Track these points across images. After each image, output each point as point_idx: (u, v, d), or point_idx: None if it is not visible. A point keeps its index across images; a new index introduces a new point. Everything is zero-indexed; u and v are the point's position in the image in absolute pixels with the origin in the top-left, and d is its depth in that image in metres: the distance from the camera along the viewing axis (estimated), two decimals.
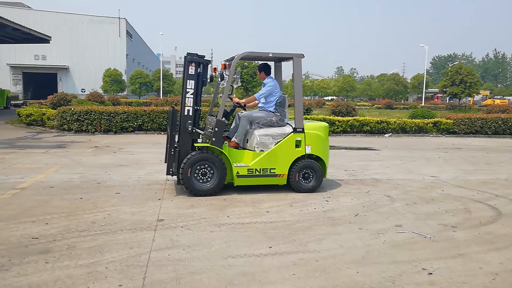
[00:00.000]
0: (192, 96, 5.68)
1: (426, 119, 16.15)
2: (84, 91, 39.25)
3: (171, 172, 5.80)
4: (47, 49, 40.01)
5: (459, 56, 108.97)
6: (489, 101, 51.33)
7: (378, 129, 15.18)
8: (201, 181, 5.59)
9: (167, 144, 5.95)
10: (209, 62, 5.89)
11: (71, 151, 9.42)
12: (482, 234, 4.38)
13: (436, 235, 4.29)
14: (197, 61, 5.69)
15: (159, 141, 11.73)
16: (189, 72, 5.66)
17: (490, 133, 15.87)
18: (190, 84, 5.68)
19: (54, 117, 13.89)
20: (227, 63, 5.86)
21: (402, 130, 15.47)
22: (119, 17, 44.84)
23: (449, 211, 5.22)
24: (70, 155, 8.83)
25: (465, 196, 6.03)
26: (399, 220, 4.78)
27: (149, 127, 13.76)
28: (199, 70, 5.73)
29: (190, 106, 5.68)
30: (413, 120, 16.04)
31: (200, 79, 5.74)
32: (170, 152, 5.75)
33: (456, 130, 15.74)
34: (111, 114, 13.40)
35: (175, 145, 5.76)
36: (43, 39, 23.01)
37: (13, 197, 5.36)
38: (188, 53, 5.73)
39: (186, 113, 5.68)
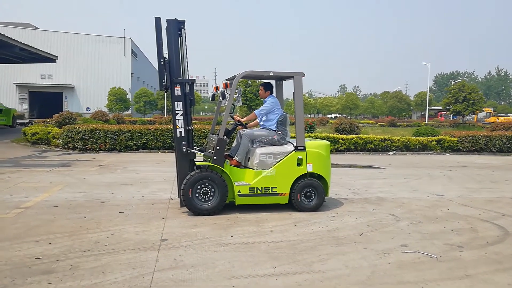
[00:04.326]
0: (182, 117, 5.68)
1: (430, 137, 16.11)
2: (89, 110, 39.60)
3: (164, 85, 5.69)
4: (53, 68, 40.62)
5: (461, 74, 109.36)
6: (493, 119, 51.28)
7: (382, 147, 15.16)
8: (202, 200, 5.57)
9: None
10: (193, 81, 5.91)
11: (76, 170, 9.45)
12: (489, 254, 4.32)
13: (443, 255, 4.23)
14: (181, 82, 5.70)
15: (164, 159, 11.77)
16: (176, 94, 5.65)
17: (494, 150, 15.79)
18: (178, 105, 5.66)
19: (59, 135, 13.98)
20: (229, 82, 5.91)
21: (406, 148, 15.43)
22: (124, 37, 45.54)
23: (455, 231, 5.16)
24: (75, 174, 8.85)
25: (471, 215, 5.97)
26: (405, 240, 4.73)
27: (153, 145, 13.81)
28: (185, 91, 5.74)
29: (181, 128, 5.68)
30: (417, 138, 16.01)
31: (187, 99, 5.74)
32: (160, 63, 5.66)
33: (460, 147, 15.68)
34: (116, 133, 13.49)
35: (164, 56, 5.68)
36: (50, 59, 23.40)
37: (17, 216, 5.36)
38: (168, 19, 5.65)
39: (178, 135, 5.68)
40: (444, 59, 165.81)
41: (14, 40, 18.88)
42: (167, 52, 5.71)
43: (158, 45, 5.71)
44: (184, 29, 5.83)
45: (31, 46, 20.67)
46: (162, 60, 5.67)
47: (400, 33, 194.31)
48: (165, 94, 44.50)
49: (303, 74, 6.02)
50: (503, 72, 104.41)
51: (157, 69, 5.81)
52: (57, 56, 23.96)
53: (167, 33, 5.70)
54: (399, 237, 4.83)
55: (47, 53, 22.92)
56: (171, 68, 5.69)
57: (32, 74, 42.08)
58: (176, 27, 5.71)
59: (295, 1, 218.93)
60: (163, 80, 5.71)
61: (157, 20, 5.69)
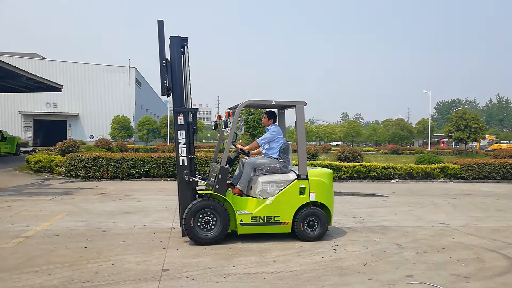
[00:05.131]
0: (184, 146, 5.71)
1: (433, 165, 16.06)
2: (93, 138, 39.88)
3: (165, 87, 5.69)
4: (58, 97, 41.08)
5: (462, 102, 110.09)
6: (495, 146, 51.24)
7: (385, 175, 15.10)
8: (204, 229, 5.52)
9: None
10: (196, 110, 5.97)
11: (78, 198, 9.42)
12: (496, 285, 4.23)
13: (449, 286, 4.15)
14: (185, 110, 5.76)
15: (166, 187, 11.74)
16: (179, 123, 5.71)
17: (498, 178, 15.69)
18: (181, 134, 5.72)
19: (62, 163, 14.02)
20: (231, 111, 5.97)
21: (409, 175, 15.37)
22: (129, 66, 46.38)
23: (461, 261, 5.07)
24: (76, 202, 8.82)
25: (477, 245, 5.88)
26: (410, 270, 4.65)
27: (155, 173, 13.80)
28: (188, 119, 5.80)
29: (184, 156, 5.70)
30: (420, 165, 15.96)
31: (190, 128, 5.79)
32: (162, 64, 5.71)
33: (464, 175, 15.60)
34: (118, 161, 13.51)
35: (166, 58, 5.71)
36: (55, 88, 23.78)
37: (18, 245, 5.32)
38: (171, 37, 5.78)
39: (181, 164, 5.69)
40: (445, 87, 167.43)
41: (21, 70, 19.28)
42: (170, 69, 5.75)
43: (160, 47, 5.80)
44: (187, 47, 5.92)
45: (37, 76, 21.07)
46: (164, 61, 5.74)
47: (401, 61, 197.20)
48: (168, 123, 45.05)
49: (305, 103, 6.08)
50: (504, 100, 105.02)
51: (159, 72, 5.82)
52: (62, 85, 24.35)
53: (170, 51, 5.79)
54: (404, 268, 4.74)
55: (53, 82, 23.32)
56: (175, 92, 5.75)
57: (37, 102, 42.64)
58: (179, 45, 5.82)
59: (297, 32, 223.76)
60: (165, 82, 5.75)
61: (160, 23, 5.82)
